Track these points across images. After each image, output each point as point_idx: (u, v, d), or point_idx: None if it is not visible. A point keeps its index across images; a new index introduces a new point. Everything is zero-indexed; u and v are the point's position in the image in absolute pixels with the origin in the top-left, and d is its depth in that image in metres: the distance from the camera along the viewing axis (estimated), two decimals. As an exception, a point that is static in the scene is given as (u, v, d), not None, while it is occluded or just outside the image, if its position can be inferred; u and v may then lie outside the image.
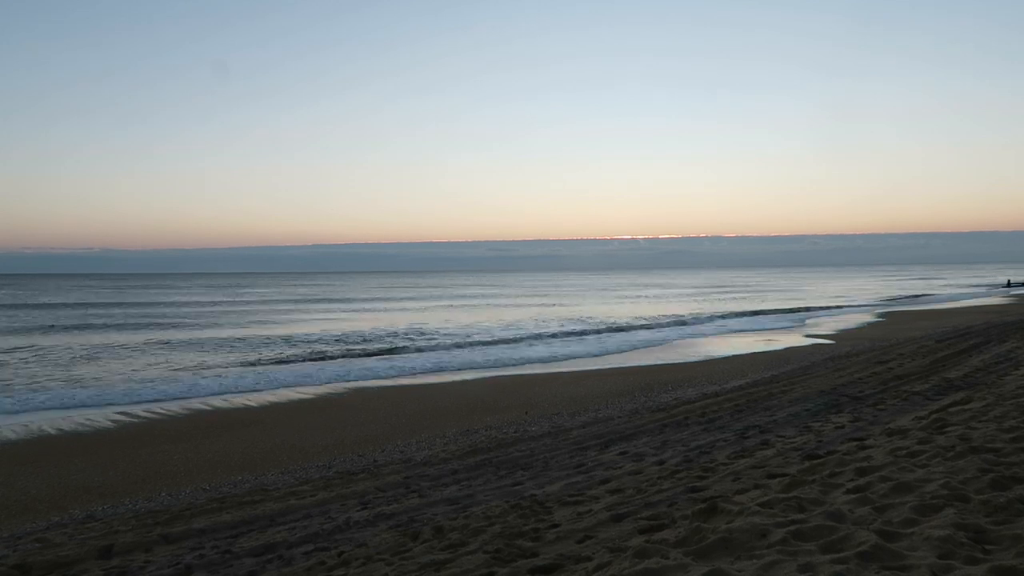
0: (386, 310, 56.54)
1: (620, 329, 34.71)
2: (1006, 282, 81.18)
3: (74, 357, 25.75)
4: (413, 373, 20.80)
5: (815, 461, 6.15)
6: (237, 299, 76.88)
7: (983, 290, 71.03)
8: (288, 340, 31.20)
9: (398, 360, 23.96)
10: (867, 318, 37.91)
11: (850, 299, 58.73)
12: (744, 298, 65.00)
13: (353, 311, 55.74)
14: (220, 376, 20.41)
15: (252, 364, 23.42)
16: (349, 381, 19.30)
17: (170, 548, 6.69)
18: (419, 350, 27.09)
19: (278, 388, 18.28)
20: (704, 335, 31.30)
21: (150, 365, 23.41)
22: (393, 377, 20.10)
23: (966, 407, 8.02)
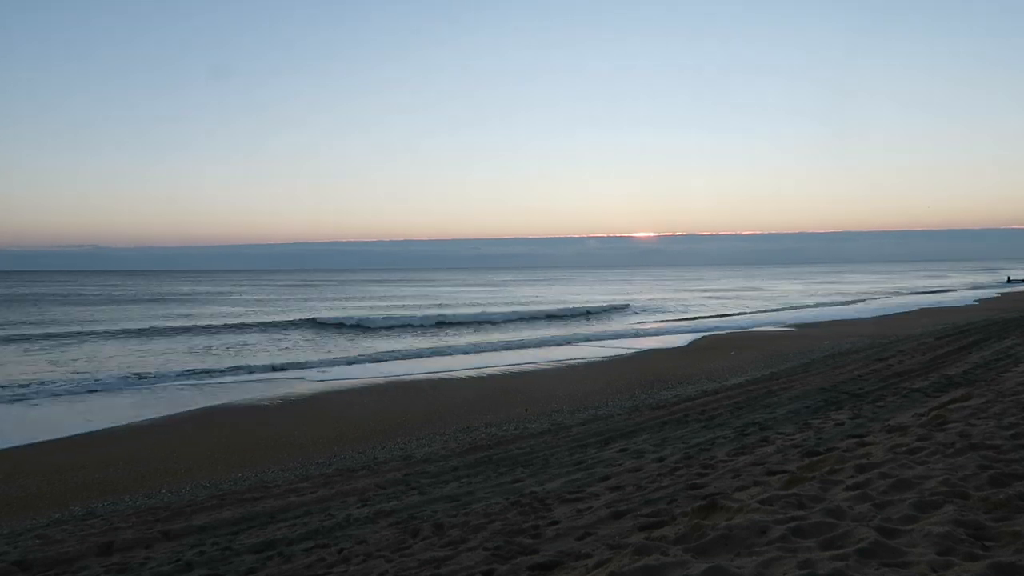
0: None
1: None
2: (1006, 279, 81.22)
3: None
4: None
5: (815, 458, 6.16)
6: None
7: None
8: None
9: None
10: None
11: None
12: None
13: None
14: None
15: None
16: None
17: (170, 545, 6.70)
18: None
19: None
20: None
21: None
22: None
23: (966, 404, 8.01)
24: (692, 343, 26.32)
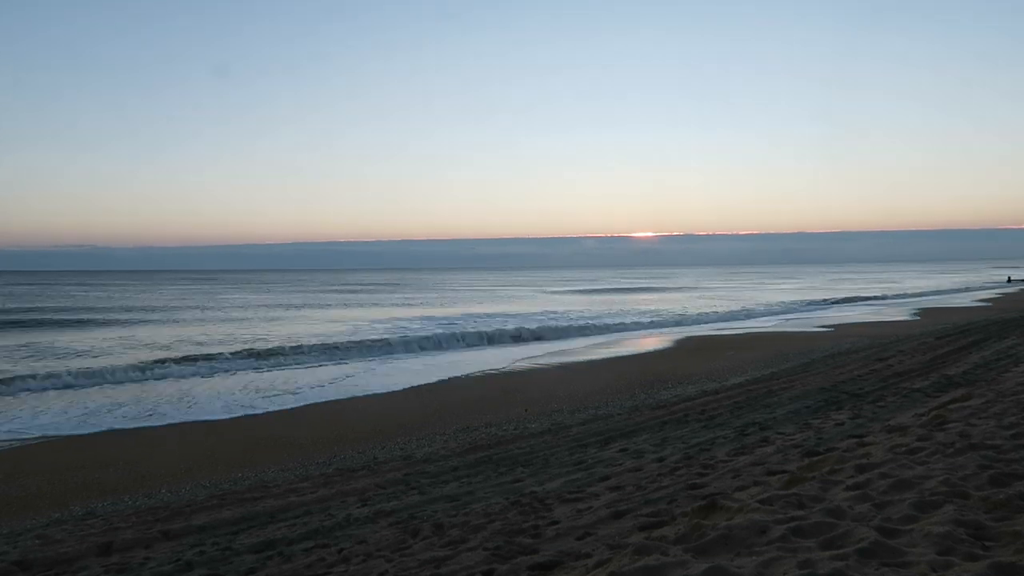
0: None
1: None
2: (1007, 279, 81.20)
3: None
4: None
5: (815, 458, 6.16)
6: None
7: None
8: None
9: None
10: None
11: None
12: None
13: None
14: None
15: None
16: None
17: (170, 545, 6.70)
18: None
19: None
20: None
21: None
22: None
23: (966, 404, 8.01)
24: (692, 343, 26.33)
